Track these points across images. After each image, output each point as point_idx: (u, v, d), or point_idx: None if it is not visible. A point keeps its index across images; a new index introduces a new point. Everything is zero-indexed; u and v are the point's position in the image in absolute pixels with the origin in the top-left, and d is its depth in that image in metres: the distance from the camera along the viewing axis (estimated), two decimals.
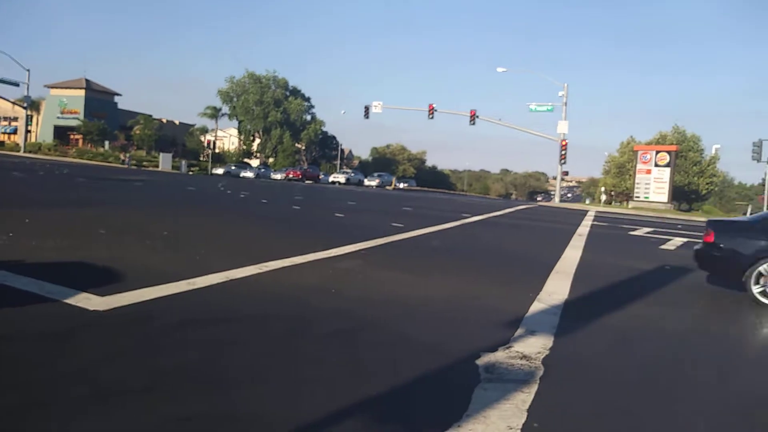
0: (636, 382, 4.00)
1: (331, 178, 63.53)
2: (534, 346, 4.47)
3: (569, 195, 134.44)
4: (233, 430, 2.77)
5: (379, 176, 67.76)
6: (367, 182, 64.02)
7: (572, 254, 10.58)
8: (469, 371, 3.83)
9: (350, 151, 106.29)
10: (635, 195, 42.85)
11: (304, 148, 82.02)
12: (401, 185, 71.53)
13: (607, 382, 3.95)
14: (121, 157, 56.08)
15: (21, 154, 55.74)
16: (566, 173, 52.78)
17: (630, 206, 43.44)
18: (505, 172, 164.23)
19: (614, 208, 42.33)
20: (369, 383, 3.49)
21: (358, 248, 8.98)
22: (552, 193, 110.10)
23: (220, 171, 57.65)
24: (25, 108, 62.03)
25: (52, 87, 73.04)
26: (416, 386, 3.54)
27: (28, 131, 64.91)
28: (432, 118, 51.32)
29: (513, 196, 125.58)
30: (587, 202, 71.50)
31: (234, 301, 5.23)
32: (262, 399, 3.15)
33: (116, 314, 4.42)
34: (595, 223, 22.08)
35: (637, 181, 42.57)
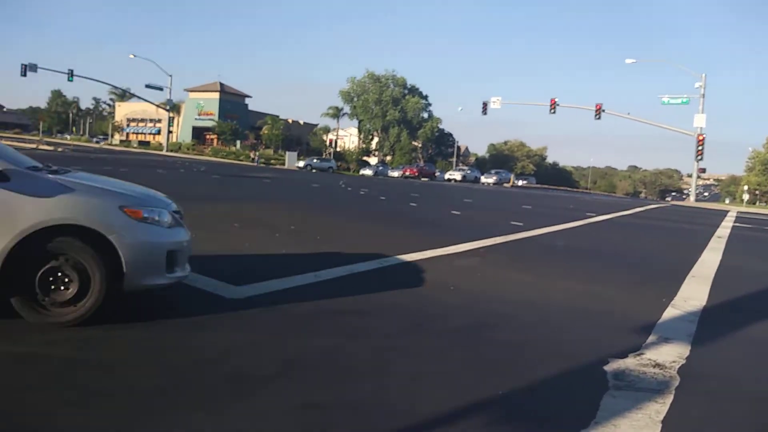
0: None
1: (447, 176, 63.33)
2: (668, 355, 4.18)
3: (706, 194, 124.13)
4: (357, 420, 2.85)
5: (496, 173, 66.51)
6: (483, 179, 63.08)
7: (711, 258, 9.76)
8: (596, 377, 3.66)
9: (467, 148, 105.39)
10: None
11: (420, 145, 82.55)
12: (520, 182, 69.79)
13: (749, 398, 3.61)
14: (251, 155, 59.75)
15: (164, 153, 61.15)
16: (703, 170, 48.62)
17: None
18: (633, 169, 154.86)
19: (759, 209, 38.42)
20: (492, 382, 3.45)
21: (476, 246, 8.89)
22: (686, 191, 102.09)
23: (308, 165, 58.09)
24: (167, 110, 67.99)
25: (191, 91, 79.40)
26: (540, 388, 3.45)
27: (170, 132, 71.06)
28: (554, 112, 49.59)
29: (642, 195, 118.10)
30: (727, 201, 65.64)
31: (357, 294, 5.39)
32: (385, 390, 3.22)
33: (250, 303, 4.73)
34: (737, 224, 20.17)
35: None
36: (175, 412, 2.76)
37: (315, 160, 59.48)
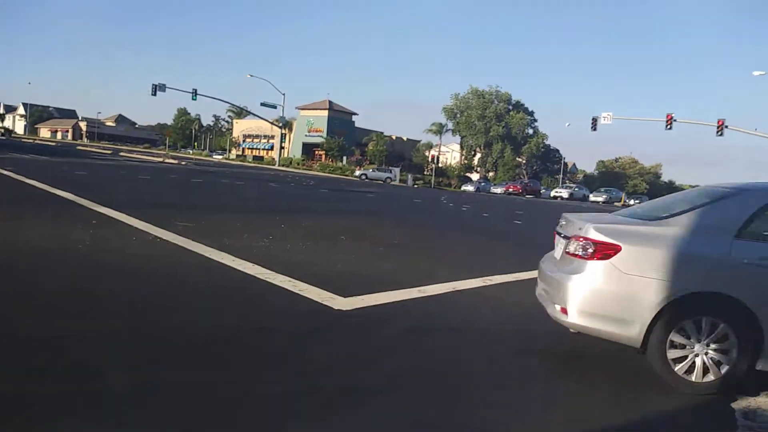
0: None
1: (552, 193, 61.39)
2: None
3: None
4: None
5: (606, 191, 63.54)
6: (592, 198, 60.49)
7: None
8: (723, 415, 3.38)
9: (574, 165, 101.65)
10: None
11: (525, 162, 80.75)
12: (632, 202, 66.20)
13: None
14: (356, 170, 61.29)
15: (276, 167, 64.21)
16: None
17: None
18: None
19: None
20: (606, 414, 3.29)
21: None
22: None
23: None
24: (280, 127, 71.43)
25: (302, 108, 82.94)
26: (663, 426, 3.25)
27: (282, 147, 74.55)
28: (670, 128, 46.63)
29: None
30: None
31: (462, 312, 5.36)
32: (494, 413, 3.16)
33: (356, 315, 4.83)
34: None
35: None
36: (292, 419, 2.87)
37: (371, 170, 59.02)
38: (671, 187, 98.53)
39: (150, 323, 4.18)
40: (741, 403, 3.55)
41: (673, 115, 46.26)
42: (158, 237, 7.69)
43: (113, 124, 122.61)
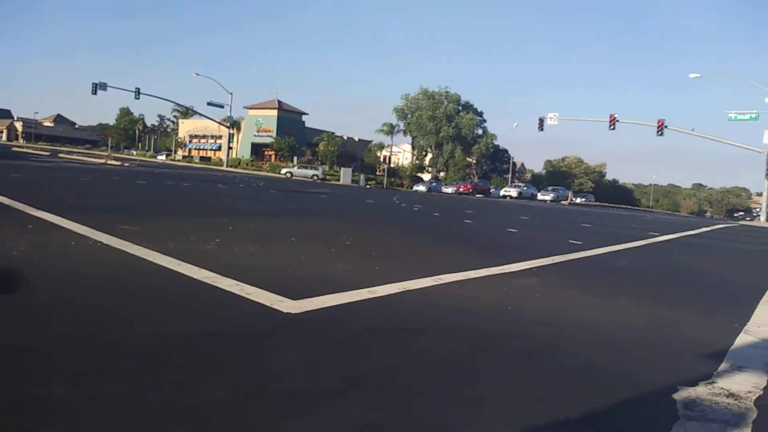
0: None
1: (502, 192, 62.63)
2: (743, 384, 3.93)
3: None
4: None
5: (553, 190, 65.26)
6: (540, 196, 62.01)
7: None
8: (665, 406, 3.47)
9: (522, 165, 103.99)
10: None
11: (475, 161, 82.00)
12: (578, 200, 68.19)
13: None
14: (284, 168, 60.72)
15: (224, 168, 63.06)
16: None
17: None
18: (698, 187, 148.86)
19: None
20: (553, 409, 3.32)
21: (533, 265, 8.70)
22: (756, 211, 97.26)
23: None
24: (228, 127, 70.20)
25: (250, 108, 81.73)
26: (605, 417, 3.30)
27: (230, 148, 73.30)
28: (613, 129, 48.38)
29: (708, 214, 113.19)
30: None
31: (413, 312, 5.34)
32: (446, 414, 3.14)
33: (306, 318, 4.75)
34: None
35: None
36: (239, 427, 2.78)
37: (295, 168, 58.93)
38: (615, 185, 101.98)
39: (90, 330, 3.99)
40: (681, 394, 3.66)
41: (616, 115, 47.95)
42: (99, 241, 7.40)
43: (51, 125, 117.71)
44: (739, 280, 9.61)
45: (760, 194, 49.50)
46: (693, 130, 47.97)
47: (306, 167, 59.11)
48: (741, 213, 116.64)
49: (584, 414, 3.29)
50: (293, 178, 53.36)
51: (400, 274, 6.85)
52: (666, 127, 46.11)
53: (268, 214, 14.86)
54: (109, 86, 57.64)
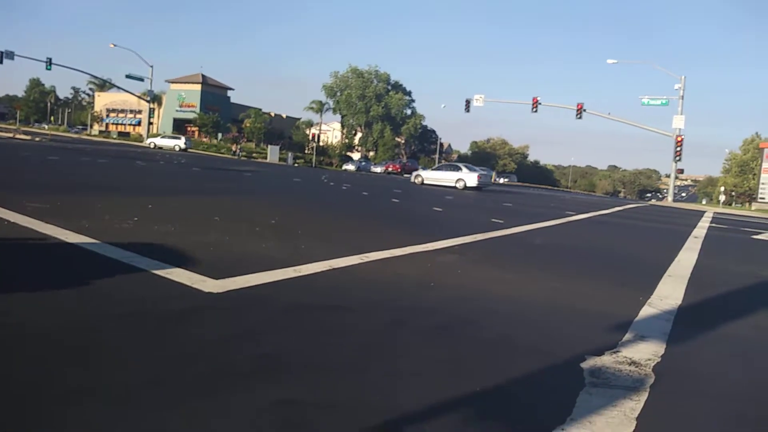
0: (754, 399, 3.68)
1: None
2: (644, 353, 4.24)
3: (683, 194, 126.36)
4: (330, 417, 2.83)
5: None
6: None
7: (687, 257, 9.91)
8: (573, 375, 3.69)
9: (449, 145, 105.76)
10: (760, 196, 39.45)
11: (403, 142, 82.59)
12: (501, 180, 70.28)
13: (722, 396, 3.66)
14: (233, 148, 59.29)
15: (143, 144, 60.38)
16: (681, 171, 49.44)
17: (753, 208, 40.03)
18: (613, 168, 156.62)
19: (735, 210, 39.19)
20: (468, 380, 3.46)
21: (456, 243, 8.93)
22: (664, 191, 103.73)
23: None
24: (148, 101, 67.13)
25: (172, 82, 78.47)
26: (517, 386, 3.47)
27: (150, 123, 70.29)
28: (536, 111, 49.94)
29: (621, 194, 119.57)
30: (704, 202, 66.85)
31: (337, 290, 5.37)
32: (361, 388, 3.20)
33: (228, 297, 4.68)
34: (714, 225, 20.53)
35: (762, 181, 39.20)
36: (151, 407, 2.72)
37: (159, 138, 58.22)
38: (537, 167, 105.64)
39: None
40: (588, 363, 3.90)
41: (538, 98, 49.48)
42: (5, 219, 6.95)
43: None
44: (645, 256, 10.26)
45: (668, 176, 52.76)
46: (609, 114, 50.31)
47: (169, 138, 58.26)
48: (652, 193, 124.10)
49: (496, 384, 3.44)
50: (156, 148, 52.25)
51: (326, 253, 6.85)
52: (585, 110, 48.10)
53: (190, 192, 14.42)
54: (17, 55, 53.64)
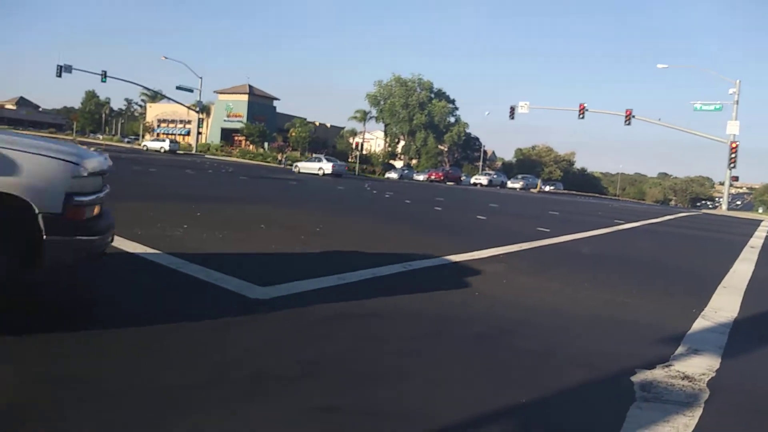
0: None
1: (472, 180, 63.11)
2: (698, 367, 4.08)
3: (738, 203, 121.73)
4: (375, 424, 2.83)
5: (523, 178, 66.02)
6: (510, 184, 62.71)
7: (743, 268, 9.52)
8: (623, 388, 3.58)
9: (493, 153, 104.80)
10: None
11: (446, 149, 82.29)
12: (547, 188, 69.11)
13: None
14: (278, 157, 60.29)
15: (193, 153, 62.05)
16: (736, 178, 47.53)
17: None
18: (664, 176, 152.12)
19: None
20: (512, 391, 3.40)
21: (501, 252, 8.82)
22: (718, 199, 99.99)
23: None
24: (197, 112, 69.02)
25: (220, 93, 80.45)
26: (564, 398, 3.39)
27: (199, 133, 72.22)
28: (582, 118, 48.98)
29: (672, 203, 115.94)
30: (760, 210, 64.11)
31: (381, 297, 5.38)
32: (404, 396, 3.19)
33: (274, 304, 4.75)
34: None
35: None
36: (199, 410, 2.78)
37: (149, 141, 63.60)
38: (583, 174, 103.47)
39: (55, 318, 3.93)
40: (639, 377, 3.78)
41: (585, 105, 48.53)
42: None
43: (14, 107, 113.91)
44: (698, 267, 9.91)
45: (722, 184, 50.94)
46: (659, 120, 48.88)
47: (155, 140, 63.55)
48: (704, 202, 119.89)
49: (542, 396, 3.37)
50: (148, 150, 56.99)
51: (369, 262, 6.87)
52: (634, 116, 46.90)
53: (237, 200, 14.71)
54: (75, 69, 56.02)
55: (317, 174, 41.76)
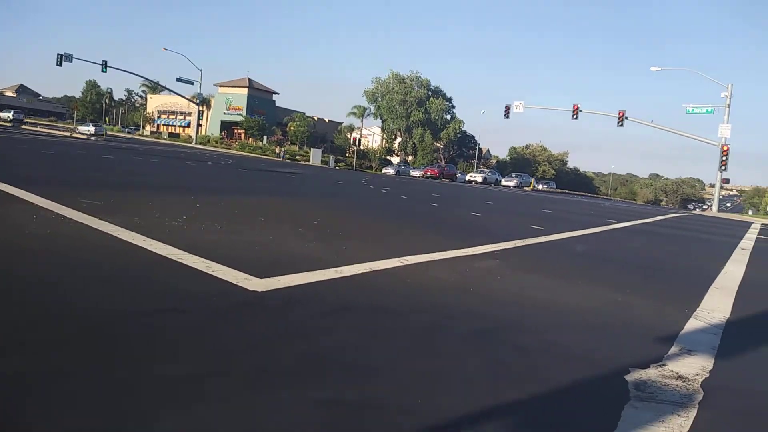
0: None
1: (467, 177, 63.23)
2: (691, 367, 4.14)
3: (728, 204, 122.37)
4: (373, 417, 2.86)
5: (517, 176, 66.16)
6: (504, 182, 62.87)
7: (734, 269, 9.61)
8: (617, 387, 3.63)
9: (488, 151, 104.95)
10: None
11: (442, 146, 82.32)
12: (540, 186, 69.29)
13: None
14: (277, 150, 60.25)
15: (193, 145, 61.87)
16: (726, 180, 47.83)
17: None
18: (655, 176, 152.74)
19: None
20: (508, 387, 3.44)
21: (495, 248, 8.87)
22: (708, 201, 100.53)
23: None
24: (197, 104, 68.84)
25: (220, 86, 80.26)
26: (558, 395, 3.43)
27: (199, 125, 72.09)
28: (576, 118, 49.16)
29: (663, 203, 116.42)
30: (750, 213, 64.53)
31: (378, 291, 5.41)
32: (402, 390, 3.22)
33: (273, 296, 4.77)
34: (762, 236, 19.83)
35: None
36: (199, 402, 2.81)
37: (79, 126, 64.94)
38: (576, 173, 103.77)
39: (50, 307, 3.94)
40: (633, 376, 3.82)
41: (579, 105, 48.68)
42: (62, 215, 7.24)
43: (13, 95, 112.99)
44: (690, 267, 9.99)
45: (713, 185, 51.19)
46: (652, 121, 49.06)
47: (85, 125, 63.77)
48: (695, 203, 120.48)
49: (537, 393, 3.41)
50: (74, 136, 55.89)
51: (367, 255, 6.91)
52: (626, 118, 47.06)
53: (236, 192, 14.71)
54: (75, 58, 55.61)
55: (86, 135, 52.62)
